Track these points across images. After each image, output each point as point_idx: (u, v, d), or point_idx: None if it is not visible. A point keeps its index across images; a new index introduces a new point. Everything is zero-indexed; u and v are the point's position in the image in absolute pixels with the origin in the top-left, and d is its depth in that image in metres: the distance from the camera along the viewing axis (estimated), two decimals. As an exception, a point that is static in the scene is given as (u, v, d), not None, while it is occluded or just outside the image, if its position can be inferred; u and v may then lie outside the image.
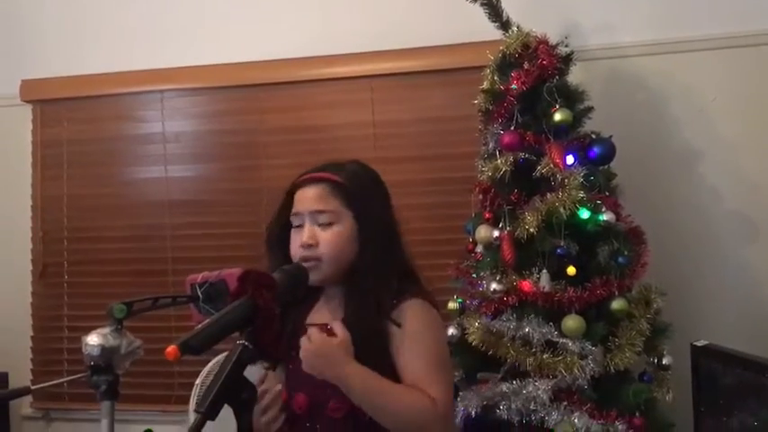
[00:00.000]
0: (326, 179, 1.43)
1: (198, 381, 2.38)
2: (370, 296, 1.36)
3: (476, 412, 1.95)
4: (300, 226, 1.43)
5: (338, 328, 1.34)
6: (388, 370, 1.34)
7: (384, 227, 1.44)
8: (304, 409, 1.40)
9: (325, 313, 1.46)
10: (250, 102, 2.88)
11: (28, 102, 3.05)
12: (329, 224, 1.41)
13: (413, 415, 1.31)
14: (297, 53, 2.78)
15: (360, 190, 1.45)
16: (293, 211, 1.44)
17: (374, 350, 1.33)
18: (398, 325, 1.36)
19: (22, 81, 3.02)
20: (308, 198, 1.43)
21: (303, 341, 1.31)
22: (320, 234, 1.41)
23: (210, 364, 2.39)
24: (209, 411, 0.98)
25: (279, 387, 1.41)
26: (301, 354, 1.31)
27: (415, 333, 1.37)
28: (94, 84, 2.96)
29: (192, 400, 2.39)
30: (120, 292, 2.81)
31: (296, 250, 1.42)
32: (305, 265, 1.39)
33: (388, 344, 1.37)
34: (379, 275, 1.38)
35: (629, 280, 2.02)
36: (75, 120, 3.03)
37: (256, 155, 2.87)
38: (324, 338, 1.31)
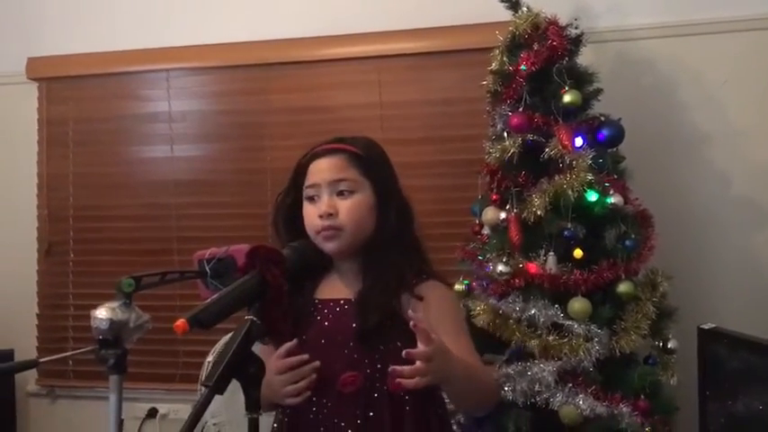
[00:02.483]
0: (343, 149, 1.42)
1: (209, 358, 2.38)
2: (392, 269, 1.36)
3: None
4: (315, 198, 1.41)
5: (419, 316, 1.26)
6: (408, 341, 1.32)
7: (400, 201, 1.44)
8: (313, 384, 1.39)
9: (339, 287, 1.45)
10: (256, 82, 2.87)
11: (34, 80, 3.04)
12: (349, 192, 1.40)
13: (493, 390, 1.44)
14: (304, 33, 2.76)
15: (377, 161, 1.44)
16: (308, 183, 1.42)
17: (393, 323, 1.32)
18: (420, 298, 1.36)
19: (28, 59, 3.01)
20: (325, 168, 1.41)
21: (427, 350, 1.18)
22: (339, 203, 1.39)
23: (221, 343, 2.39)
24: (216, 386, 0.99)
25: (316, 363, 1.39)
26: (429, 362, 1.19)
27: (448, 312, 1.40)
28: (100, 62, 2.95)
29: (199, 384, 2.38)
30: (125, 270, 2.71)
31: (312, 222, 1.40)
32: (324, 234, 1.37)
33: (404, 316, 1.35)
34: (399, 248, 1.37)
35: (635, 263, 2.01)
36: (80, 98, 3.02)
37: (262, 135, 2.86)
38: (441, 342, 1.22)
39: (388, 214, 1.41)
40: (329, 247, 1.37)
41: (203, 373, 2.30)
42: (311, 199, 1.42)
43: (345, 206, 1.39)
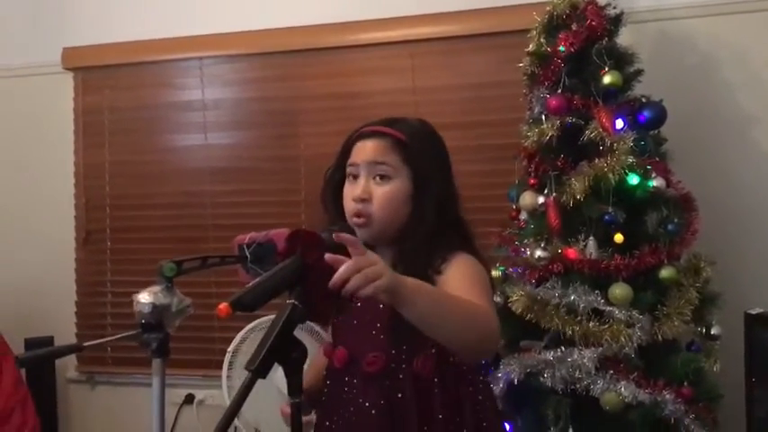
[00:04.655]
0: (389, 134, 1.40)
1: (230, 348, 2.40)
2: (421, 260, 1.33)
3: (518, 379, 1.93)
4: (355, 177, 1.40)
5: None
6: None
7: (440, 190, 1.40)
8: (342, 363, 1.39)
9: None
10: (289, 68, 2.86)
11: (69, 69, 3.07)
12: (386, 178, 1.38)
13: (480, 322, 1.20)
14: (336, 18, 2.75)
15: (421, 149, 1.40)
16: (350, 161, 1.40)
17: None
18: (440, 272, 1.32)
19: (64, 49, 3.04)
20: (367, 149, 1.38)
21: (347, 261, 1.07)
22: (375, 189, 1.37)
23: (243, 332, 2.40)
24: (259, 369, 0.98)
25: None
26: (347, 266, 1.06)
27: (459, 267, 1.32)
28: (135, 51, 2.97)
29: (224, 367, 2.40)
30: (162, 258, 2.78)
31: (349, 203, 1.39)
32: (356, 221, 1.36)
33: None
34: (431, 240, 1.34)
35: (678, 248, 1.97)
36: (116, 87, 3.05)
37: (295, 122, 2.85)
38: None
39: (425, 204, 1.37)
40: (360, 234, 1.35)
41: (226, 364, 2.30)
42: (352, 178, 1.40)
43: (379, 194, 1.36)
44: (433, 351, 1.33)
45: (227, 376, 2.39)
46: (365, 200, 1.36)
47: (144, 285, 1.51)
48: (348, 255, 1.07)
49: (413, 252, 1.33)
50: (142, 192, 3.01)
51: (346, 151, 1.42)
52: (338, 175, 1.44)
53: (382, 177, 1.37)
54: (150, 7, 2.99)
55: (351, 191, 1.39)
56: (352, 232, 1.35)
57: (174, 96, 3.00)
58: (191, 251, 2.87)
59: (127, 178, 3.04)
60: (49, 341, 2.84)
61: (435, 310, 1.15)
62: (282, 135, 2.87)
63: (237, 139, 2.93)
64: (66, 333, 2.99)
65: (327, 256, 1.06)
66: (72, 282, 3.09)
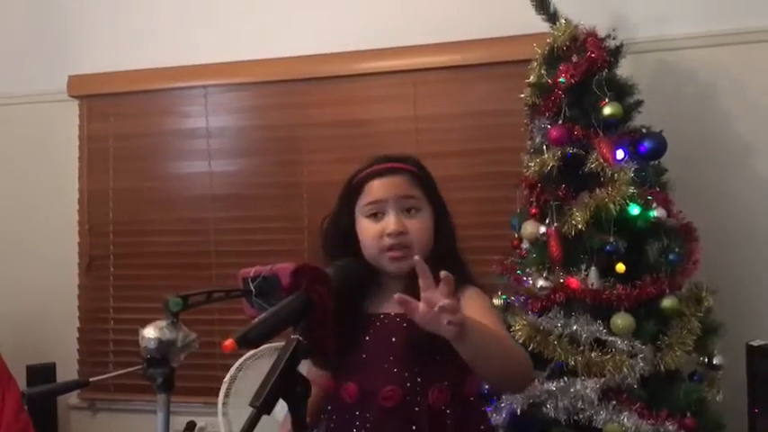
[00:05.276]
0: (406, 170, 1.42)
1: (226, 378, 2.40)
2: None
3: (521, 409, 1.93)
4: (379, 215, 1.40)
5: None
6: (446, 355, 1.28)
7: (451, 221, 1.44)
8: (354, 398, 1.39)
9: (382, 302, 1.42)
10: (292, 96, 2.89)
11: (75, 97, 3.11)
12: (416, 210, 1.40)
13: (522, 360, 1.28)
14: (339, 48, 2.78)
15: (430, 182, 1.45)
16: (370, 199, 1.40)
17: (435, 337, 1.30)
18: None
19: (70, 77, 3.08)
20: (390, 185, 1.40)
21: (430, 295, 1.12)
22: (408, 222, 1.38)
23: (239, 361, 2.40)
24: (264, 406, 0.98)
25: None
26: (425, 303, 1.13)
27: (476, 299, 1.36)
28: (140, 79, 3.00)
29: (220, 395, 2.40)
30: (165, 284, 2.87)
31: (374, 240, 1.38)
32: (392, 255, 1.37)
33: None
34: (447, 265, 1.35)
35: (679, 278, 1.98)
36: (121, 115, 3.08)
37: (298, 149, 2.87)
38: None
39: (445, 233, 1.42)
40: (397, 266, 1.36)
41: (222, 393, 2.28)
42: (373, 216, 1.40)
43: (415, 225, 1.38)
44: (446, 383, 1.34)
45: (223, 403, 2.38)
46: (402, 233, 1.37)
47: (147, 312, 1.51)
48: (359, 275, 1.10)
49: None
50: (146, 218, 3.03)
51: (354, 193, 1.43)
52: (345, 220, 1.44)
53: (412, 210, 1.39)
54: (155, 36, 3.02)
55: (378, 228, 1.39)
56: (360, 267, 1.37)
57: (179, 124, 3.02)
58: (194, 278, 2.92)
59: (131, 205, 3.06)
60: (51, 368, 2.85)
61: (487, 345, 1.20)
62: (285, 162, 2.89)
63: (241, 166, 2.96)
64: (68, 360, 2.99)
65: (398, 296, 1.11)
66: (75, 308, 3.09)
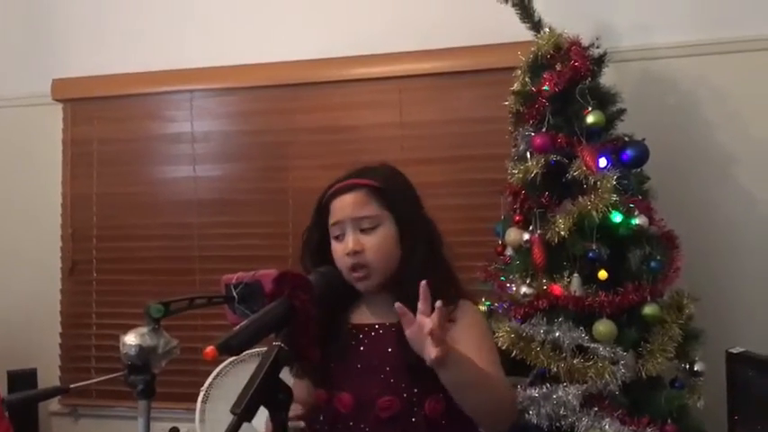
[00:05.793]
0: (363, 184, 1.42)
1: (205, 384, 2.38)
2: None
3: (504, 416, 1.93)
4: (341, 236, 1.42)
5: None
6: None
7: (423, 228, 1.44)
8: (349, 408, 1.39)
9: (371, 314, 1.45)
10: (278, 102, 2.89)
11: (59, 101, 3.09)
12: (372, 228, 1.40)
13: (509, 403, 1.34)
14: (325, 54, 2.78)
15: (396, 191, 1.44)
16: (332, 221, 1.43)
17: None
18: (452, 320, 1.36)
19: (53, 80, 3.06)
20: (346, 205, 1.41)
21: (427, 319, 1.20)
22: (365, 239, 1.40)
23: (219, 368, 2.39)
24: (245, 413, 0.98)
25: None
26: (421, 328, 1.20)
27: (473, 326, 1.39)
28: (124, 83, 2.99)
29: (198, 403, 2.39)
30: (148, 290, 2.86)
31: (341, 260, 1.41)
32: (355, 276, 1.38)
33: None
34: (430, 275, 1.36)
35: (661, 285, 1.99)
36: (105, 119, 3.06)
37: (284, 155, 2.87)
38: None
39: (413, 244, 1.41)
40: (362, 285, 1.40)
41: (200, 401, 2.28)
42: (336, 238, 1.43)
43: (370, 242, 1.40)
44: (442, 395, 1.35)
45: (201, 410, 2.37)
46: (358, 252, 1.38)
47: (130, 317, 1.50)
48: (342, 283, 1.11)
49: (411, 294, 1.31)
50: (129, 223, 3.01)
51: (323, 211, 1.45)
52: (317, 236, 1.46)
53: (368, 229, 1.40)
54: (141, 40, 3.01)
55: (341, 248, 1.41)
56: (340, 274, 1.37)
57: (164, 128, 3.01)
58: (178, 283, 2.90)
59: (114, 209, 3.04)
60: (32, 373, 2.82)
61: (465, 381, 1.26)
62: (271, 168, 2.89)
63: (226, 171, 2.95)
64: (49, 365, 2.97)
65: (398, 306, 1.21)
66: (57, 313, 3.07)
